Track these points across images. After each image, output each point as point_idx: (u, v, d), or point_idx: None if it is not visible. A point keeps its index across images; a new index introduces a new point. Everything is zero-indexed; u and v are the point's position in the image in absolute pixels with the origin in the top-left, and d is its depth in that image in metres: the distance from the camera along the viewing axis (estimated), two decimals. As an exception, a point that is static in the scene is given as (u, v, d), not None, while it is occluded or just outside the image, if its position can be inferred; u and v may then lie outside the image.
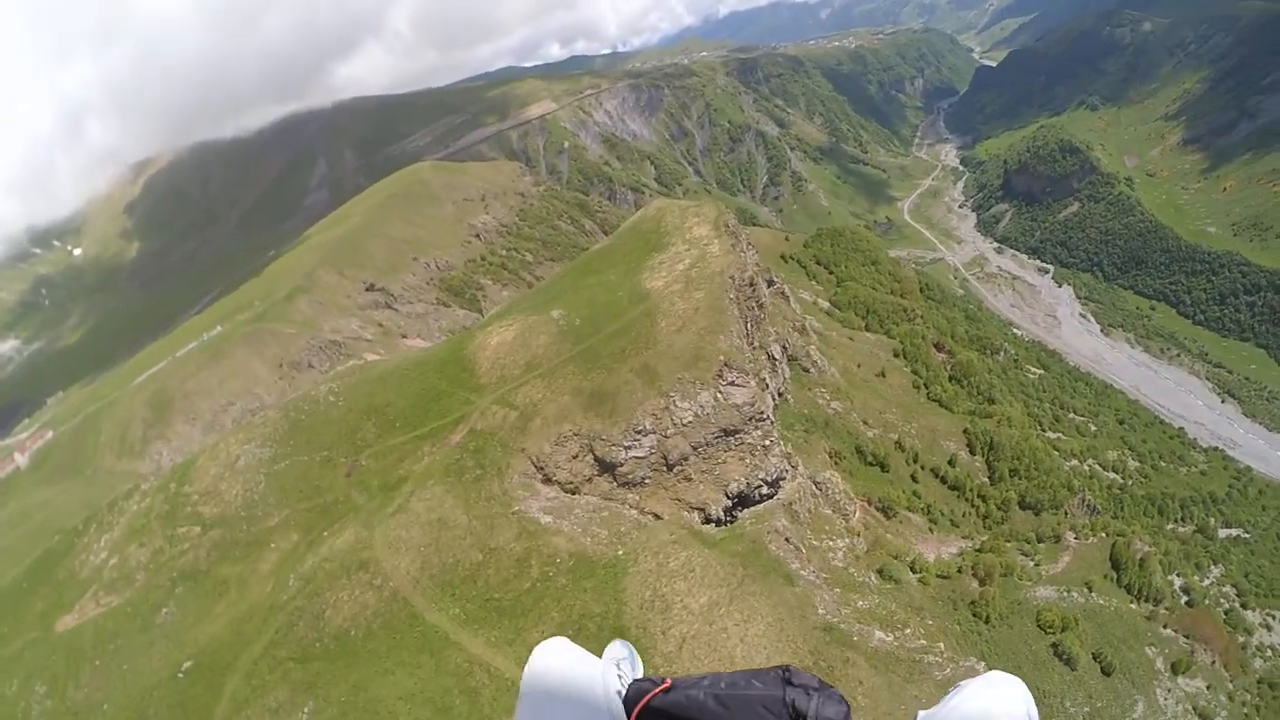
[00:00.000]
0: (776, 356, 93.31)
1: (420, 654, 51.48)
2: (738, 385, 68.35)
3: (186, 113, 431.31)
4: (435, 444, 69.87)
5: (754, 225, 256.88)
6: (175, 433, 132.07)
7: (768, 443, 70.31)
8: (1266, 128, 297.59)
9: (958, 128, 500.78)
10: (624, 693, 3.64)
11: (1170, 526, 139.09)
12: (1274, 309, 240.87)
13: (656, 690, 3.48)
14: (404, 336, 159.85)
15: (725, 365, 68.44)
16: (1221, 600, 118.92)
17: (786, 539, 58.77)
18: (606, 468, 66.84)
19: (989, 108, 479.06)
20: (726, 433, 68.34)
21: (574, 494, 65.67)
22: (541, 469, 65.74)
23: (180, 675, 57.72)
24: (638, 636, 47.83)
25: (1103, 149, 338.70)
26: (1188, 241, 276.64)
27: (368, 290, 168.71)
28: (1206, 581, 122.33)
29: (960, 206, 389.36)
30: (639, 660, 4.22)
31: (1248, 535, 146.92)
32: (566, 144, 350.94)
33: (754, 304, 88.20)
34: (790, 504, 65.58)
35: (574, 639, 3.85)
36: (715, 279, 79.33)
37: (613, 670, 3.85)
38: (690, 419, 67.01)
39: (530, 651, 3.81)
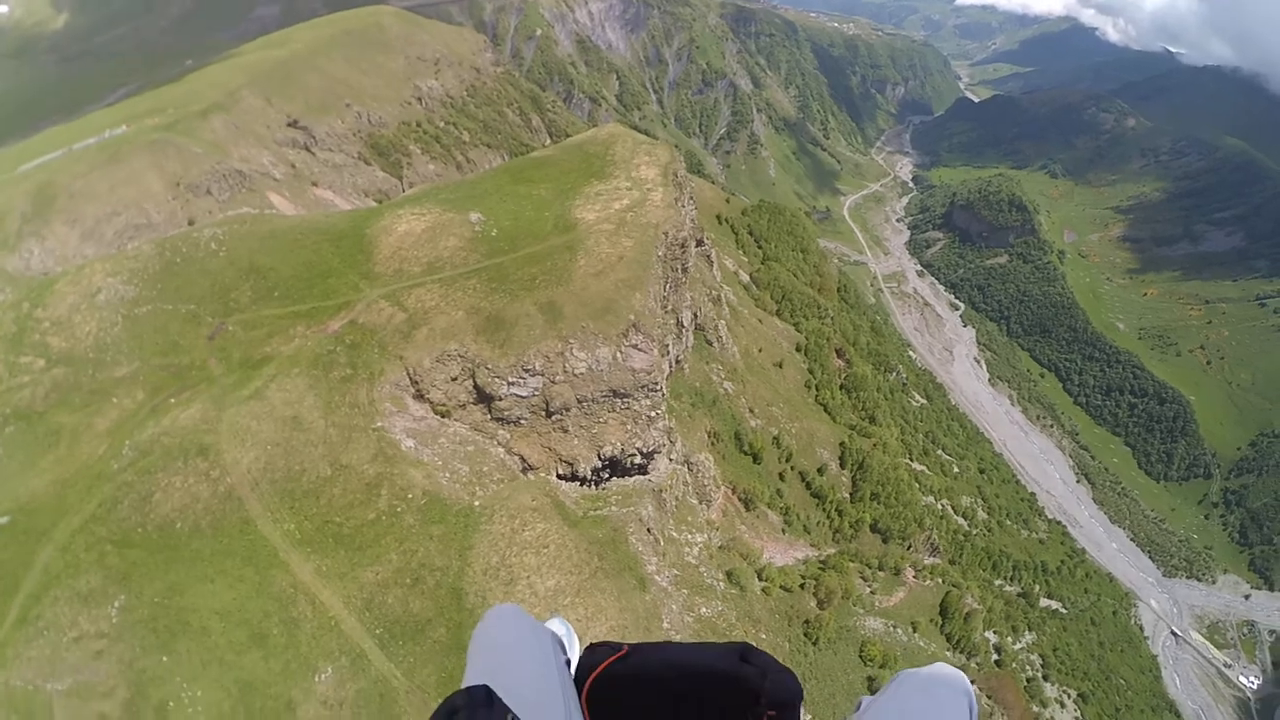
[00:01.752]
0: (685, 324, 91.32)
1: (245, 566, 47.87)
2: (640, 350, 65.88)
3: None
4: (311, 326, 64.71)
5: (699, 175, 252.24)
6: (52, 233, 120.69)
7: (653, 414, 68.48)
8: (1204, 256, 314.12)
9: (921, 146, 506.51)
10: (572, 662, 3.71)
11: (999, 583, 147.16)
12: (1150, 417, 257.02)
13: (613, 657, 3.51)
14: (315, 184, 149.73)
15: (633, 326, 65.70)
16: (1027, 667, 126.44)
17: (648, 530, 57.32)
18: (485, 398, 63.60)
19: (957, 138, 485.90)
20: (615, 394, 66.05)
21: (444, 417, 62.27)
22: (416, 383, 61.86)
23: (-7, 531, 52.43)
24: (474, 605, 45.55)
25: (1048, 216, 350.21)
26: (1095, 329, 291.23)
27: (289, 125, 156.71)
28: (1018, 645, 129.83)
29: (898, 220, 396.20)
30: (576, 640, 4.16)
31: (1064, 611, 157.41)
32: (539, 32, 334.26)
33: (679, 266, 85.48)
34: (660, 491, 64.21)
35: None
36: (648, 231, 75.94)
37: (555, 643, 3.78)
38: (583, 371, 64.29)
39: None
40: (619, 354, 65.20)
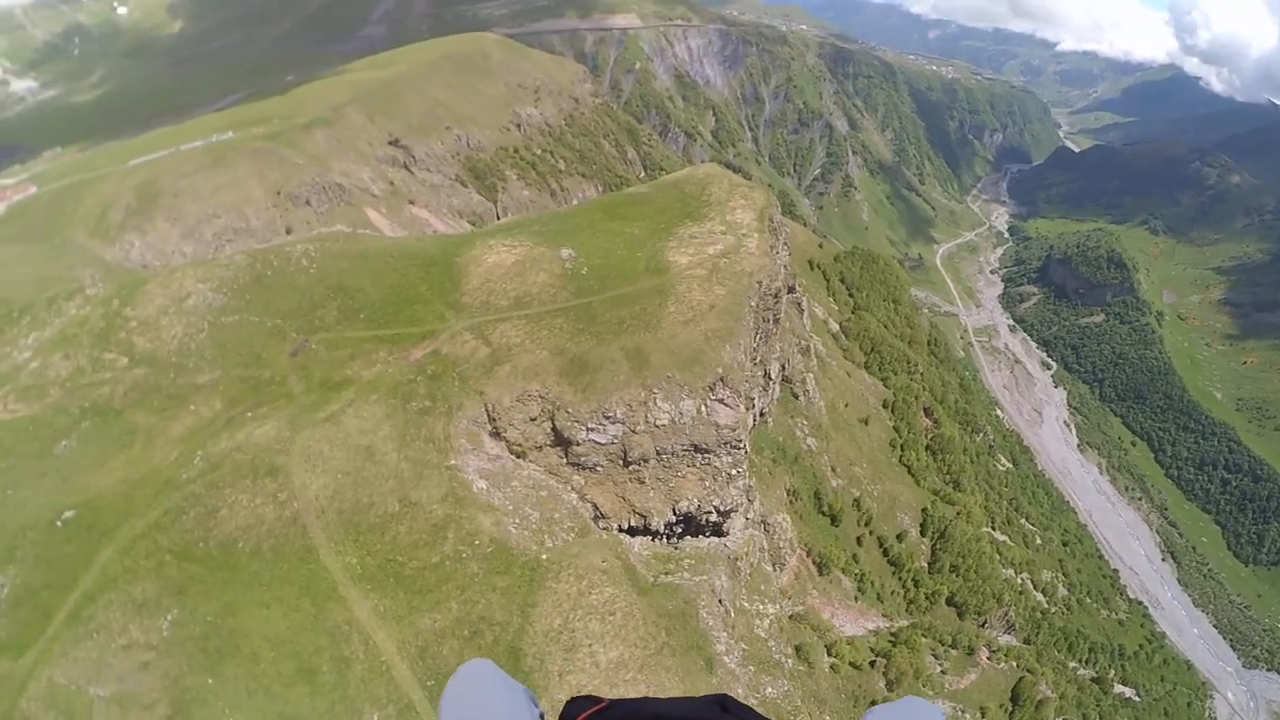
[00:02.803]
0: (773, 375, 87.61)
1: (303, 596, 46.32)
2: (726, 405, 62.60)
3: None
4: (394, 352, 63.53)
5: (791, 216, 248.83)
6: (153, 228, 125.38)
7: (734, 472, 64.99)
8: None
9: (1018, 195, 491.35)
10: (546, 716, 3.63)
11: (1073, 665, 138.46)
12: (1244, 495, 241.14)
13: (593, 710, 3.44)
14: (411, 203, 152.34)
15: (721, 380, 62.48)
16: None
17: (720, 601, 53.67)
18: (562, 442, 61.15)
19: (1055, 189, 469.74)
20: (697, 449, 62.81)
21: (519, 457, 60.04)
22: (494, 420, 59.85)
23: (59, 524, 52.67)
24: (531, 669, 42.83)
25: (1147, 274, 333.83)
26: (1191, 397, 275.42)
27: (390, 144, 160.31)
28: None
29: (992, 272, 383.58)
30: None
31: (1138, 700, 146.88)
32: (638, 65, 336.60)
33: (771, 316, 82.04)
34: (736, 559, 60.51)
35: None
36: (742, 279, 72.79)
37: (530, 700, 3.72)
38: (665, 422, 61.30)
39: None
40: (704, 408, 62.05)
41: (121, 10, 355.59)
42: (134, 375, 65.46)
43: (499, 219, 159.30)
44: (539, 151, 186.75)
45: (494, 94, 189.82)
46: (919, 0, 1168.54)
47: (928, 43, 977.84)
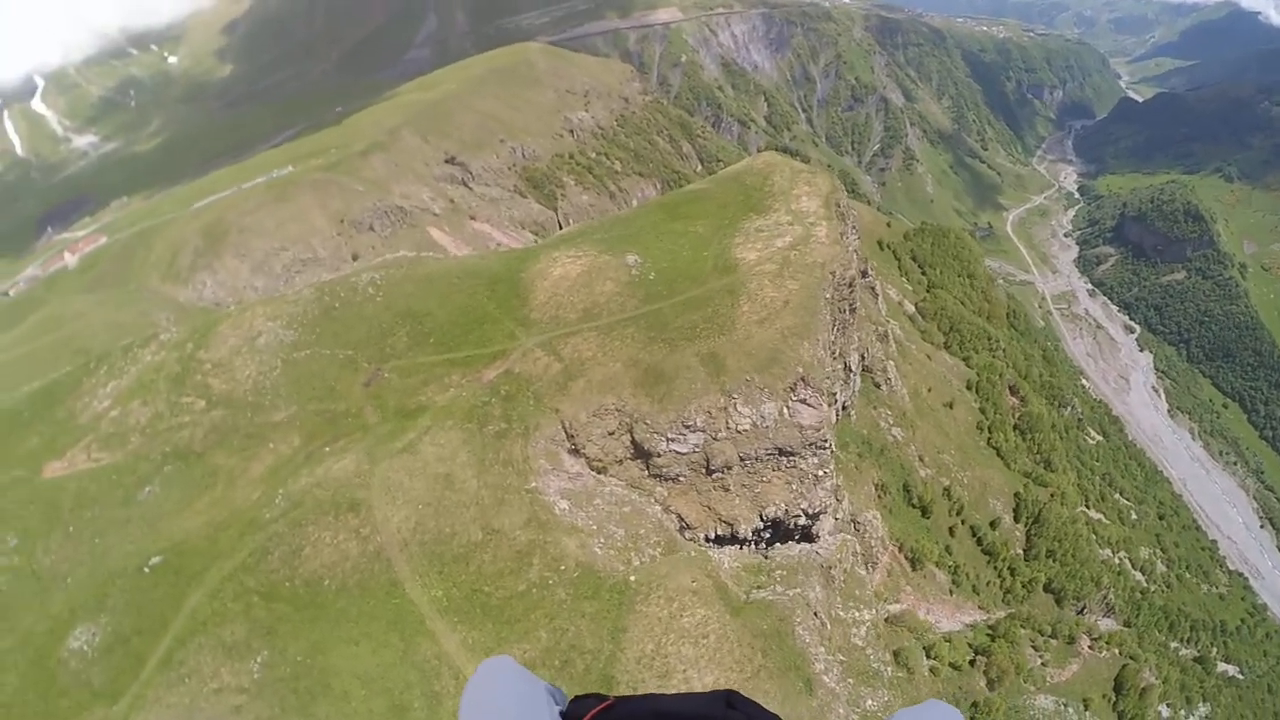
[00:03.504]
0: (852, 367, 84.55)
1: (391, 631, 45.61)
2: (809, 405, 60.12)
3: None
4: (466, 375, 62.76)
5: (854, 196, 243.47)
6: (223, 265, 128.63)
7: (821, 473, 62.48)
8: None
9: (1085, 153, 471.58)
10: (565, 712, 3.62)
11: (1175, 646, 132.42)
12: None
13: (599, 708, 3.45)
14: (473, 218, 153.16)
15: (801, 379, 60.02)
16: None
17: (815, 613, 51.24)
18: (642, 454, 59.50)
19: (1122, 142, 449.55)
20: (781, 452, 60.50)
21: (600, 473, 58.64)
22: (572, 437, 58.53)
23: (147, 569, 53.17)
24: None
25: (1225, 225, 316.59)
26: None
27: (447, 162, 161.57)
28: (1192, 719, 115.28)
29: (1065, 235, 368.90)
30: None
31: (1242, 677, 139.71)
32: (684, 58, 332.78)
33: (847, 306, 79.07)
34: (829, 567, 57.96)
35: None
36: (815, 271, 70.06)
37: (549, 696, 3.72)
38: (747, 427, 59.14)
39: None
40: (786, 409, 59.69)
41: (172, 59, 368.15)
42: (212, 417, 66.11)
43: (560, 226, 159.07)
44: (594, 155, 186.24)
45: (543, 102, 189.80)
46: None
47: (975, 3, 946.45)
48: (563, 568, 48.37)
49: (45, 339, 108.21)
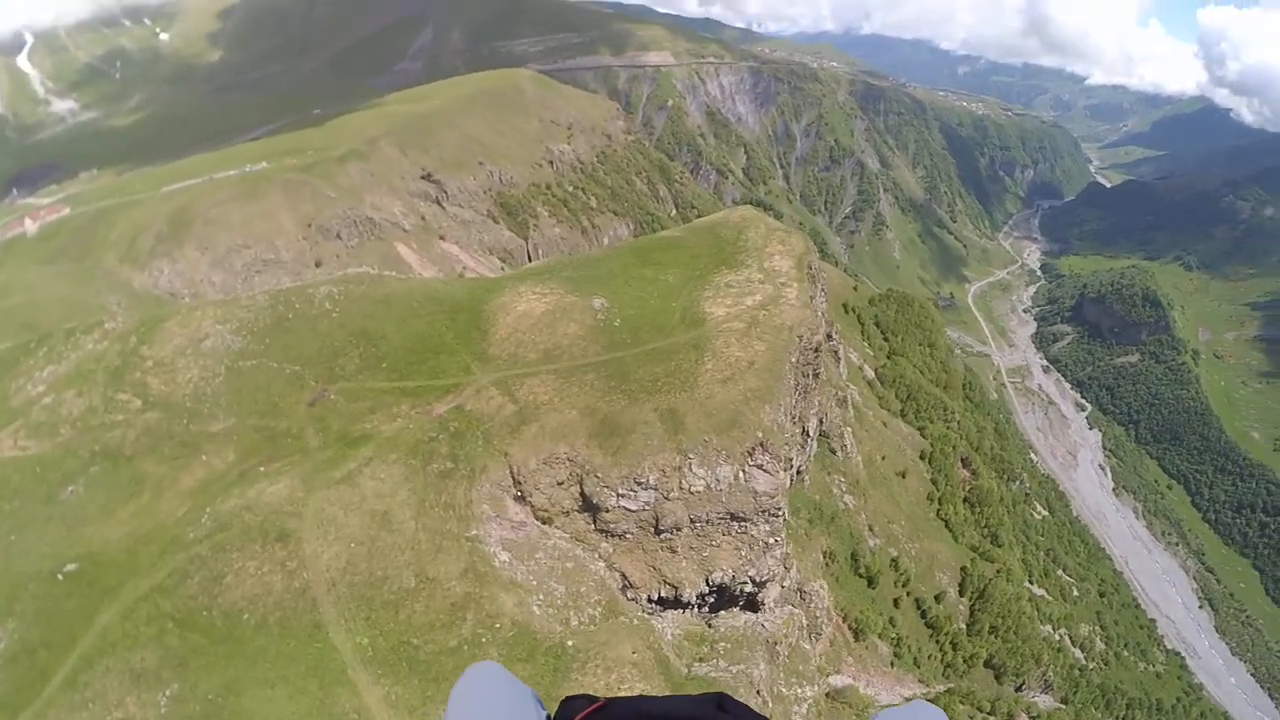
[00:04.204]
0: (810, 432, 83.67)
1: (309, 677, 42.69)
2: (765, 471, 58.78)
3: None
4: (416, 406, 60.39)
5: (823, 255, 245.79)
6: (184, 255, 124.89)
7: (771, 541, 60.96)
8: None
9: (1050, 232, 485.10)
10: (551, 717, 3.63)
11: None
12: None
13: (591, 709, 3.43)
14: (442, 238, 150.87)
15: (761, 445, 58.71)
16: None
17: (758, 691, 49.46)
18: (590, 507, 57.52)
19: (1088, 225, 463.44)
20: (733, 517, 58.94)
21: (545, 523, 56.49)
22: (519, 483, 56.40)
23: (60, 577, 49.86)
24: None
25: (1182, 312, 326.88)
26: (1228, 437, 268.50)
27: (423, 178, 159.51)
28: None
29: (1025, 311, 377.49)
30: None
31: None
32: (670, 102, 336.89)
33: (811, 371, 78.31)
34: (774, 642, 56.31)
35: None
36: (782, 333, 69.20)
37: (536, 702, 3.76)
38: (701, 489, 57.55)
39: None
40: (742, 474, 58.25)
41: (164, 36, 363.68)
42: (146, 419, 62.77)
43: (530, 256, 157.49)
44: (571, 188, 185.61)
45: (527, 130, 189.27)
46: (949, 36, 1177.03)
47: (957, 78, 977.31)
48: (498, 625, 45.92)
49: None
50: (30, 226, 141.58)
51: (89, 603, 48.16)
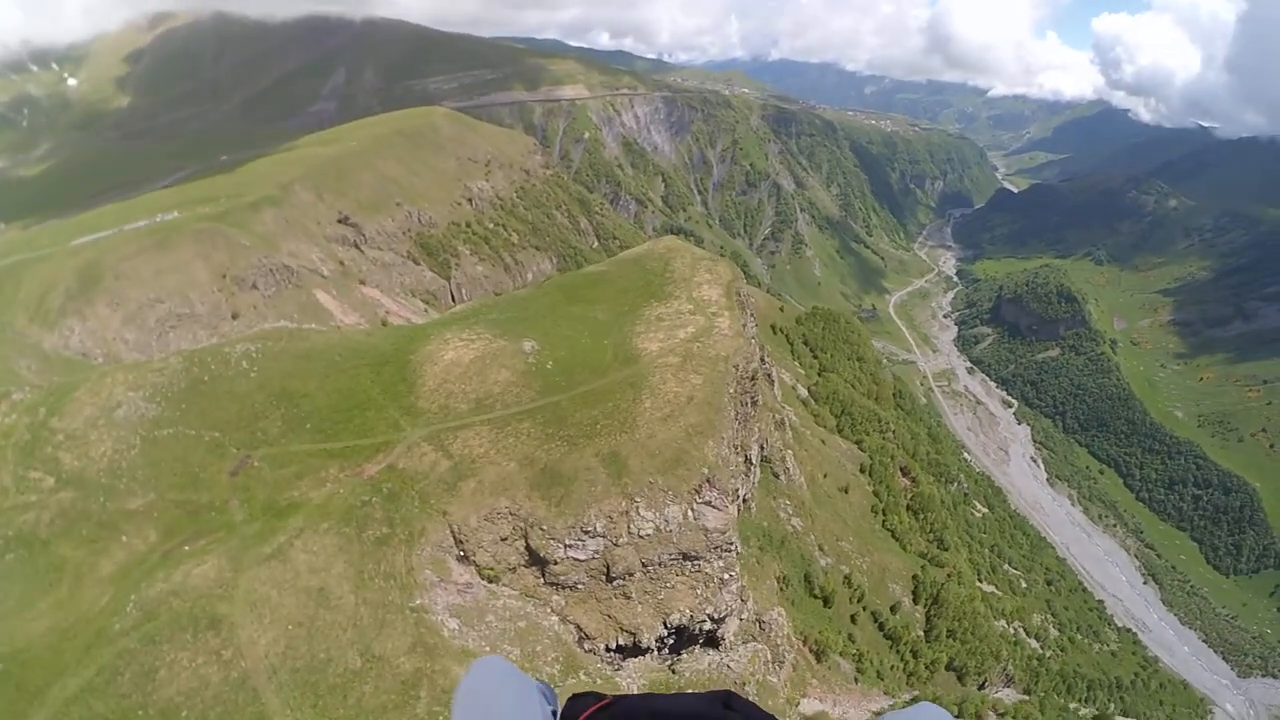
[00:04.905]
0: (753, 459, 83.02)
1: (258, 777, 39.67)
2: (714, 507, 57.71)
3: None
4: (345, 468, 57.49)
5: (746, 277, 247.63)
6: (94, 313, 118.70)
7: (726, 576, 59.77)
8: (1259, 334, 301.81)
9: (964, 239, 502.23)
10: (558, 711, 3.63)
11: (1074, 707, 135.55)
12: (1217, 508, 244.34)
13: (597, 706, 3.44)
14: (362, 282, 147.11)
15: (707, 481, 57.67)
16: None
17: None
18: (538, 561, 55.46)
19: (999, 229, 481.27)
20: (685, 557, 57.59)
21: (491, 581, 54.17)
22: (461, 543, 54.02)
23: (-17, 679, 45.41)
24: None
25: (1096, 305, 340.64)
26: (1153, 419, 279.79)
27: (340, 222, 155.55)
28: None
29: (945, 316, 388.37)
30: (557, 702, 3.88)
31: None
32: (587, 134, 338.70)
33: (749, 399, 77.84)
34: (743, 683, 54.95)
35: None
36: (718, 365, 68.58)
37: (542, 696, 3.76)
38: (650, 532, 56.10)
39: None
40: (690, 512, 57.05)
41: (72, 82, 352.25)
42: (60, 499, 58.32)
43: (453, 296, 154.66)
44: (491, 225, 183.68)
45: (445, 168, 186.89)
46: (854, 59, 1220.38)
47: (864, 98, 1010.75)
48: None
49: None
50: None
51: (17, 707, 44.24)
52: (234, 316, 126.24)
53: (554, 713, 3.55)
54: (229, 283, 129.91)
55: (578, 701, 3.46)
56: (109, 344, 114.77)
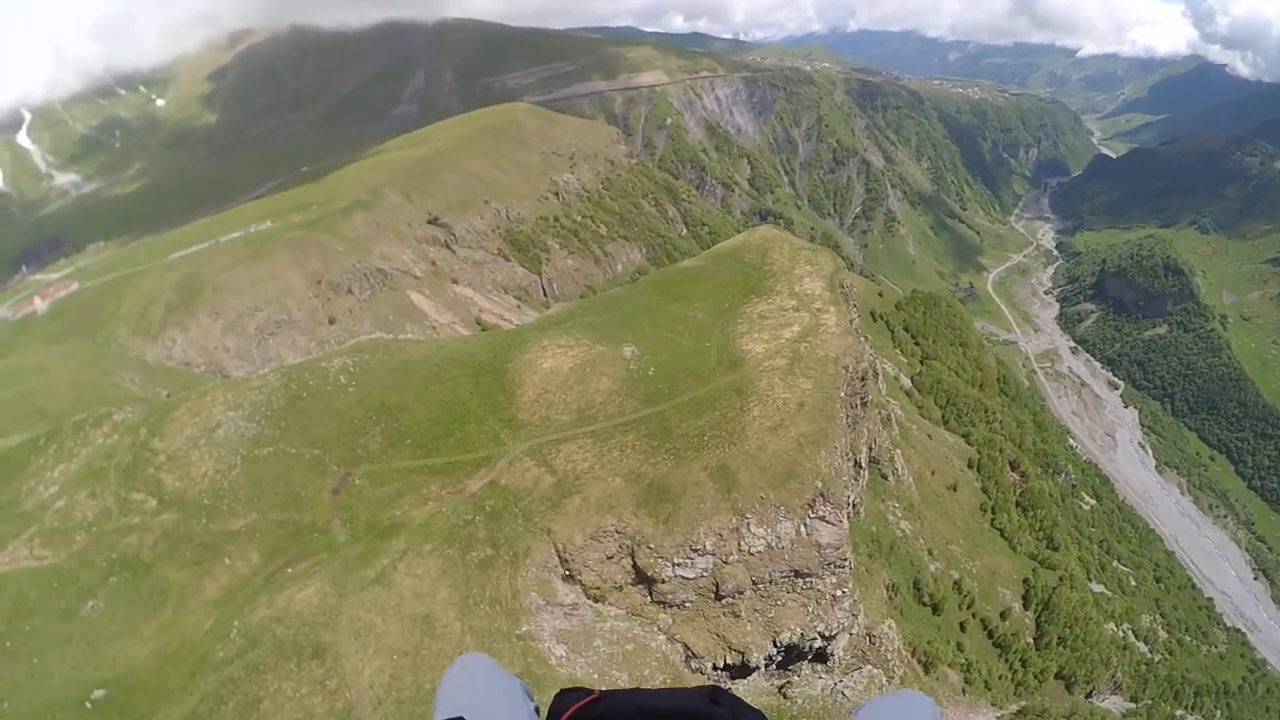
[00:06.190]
0: (862, 463, 79.17)
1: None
2: (828, 522, 54.56)
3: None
4: (446, 485, 56.49)
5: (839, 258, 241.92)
6: (196, 323, 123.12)
7: (839, 593, 56.70)
8: None
9: (1061, 210, 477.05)
10: (540, 710, 3.62)
11: (1181, 714, 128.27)
12: None
13: (584, 701, 3.40)
14: (455, 281, 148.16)
15: (821, 495, 54.51)
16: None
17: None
18: (644, 579, 53.44)
19: (1098, 199, 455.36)
20: (797, 574, 54.74)
21: (597, 601, 52.38)
22: (566, 562, 52.38)
23: (89, 705, 46.19)
24: None
25: (1204, 278, 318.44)
26: (1266, 401, 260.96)
27: (429, 223, 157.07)
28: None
29: (1046, 293, 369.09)
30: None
31: None
32: (669, 120, 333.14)
33: (859, 400, 74.00)
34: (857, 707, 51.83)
35: None
36: (828, 367, 65.03)
37: (525, 693, 3.78)
38: (761, 549, 53.40)
39: None
40: (803, 528, 54.06)
41: (160, 102, 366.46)
42: (163, 521, 59.07)
43: (544, 291, 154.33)
44: (579, 218, 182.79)
45: (530, 163, 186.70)
46: (935, 25, 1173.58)
47: (949, 65, 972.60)
48: (562, 734, 41.77)
49: (2, 394, 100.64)
50: (40, 304, 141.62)
51: (122, 738, 44.72)
52: (331, 321, 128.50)
53: (535, 710, 3.50)
54: (324, 288, 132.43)
55: (565, 697, 3.34)
56: (211, 353, 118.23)
